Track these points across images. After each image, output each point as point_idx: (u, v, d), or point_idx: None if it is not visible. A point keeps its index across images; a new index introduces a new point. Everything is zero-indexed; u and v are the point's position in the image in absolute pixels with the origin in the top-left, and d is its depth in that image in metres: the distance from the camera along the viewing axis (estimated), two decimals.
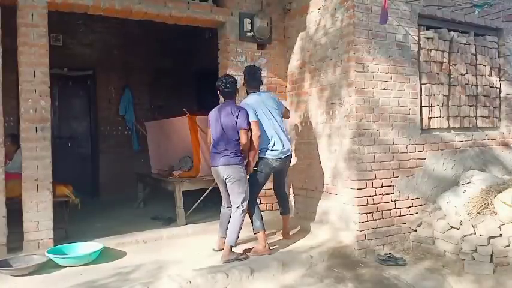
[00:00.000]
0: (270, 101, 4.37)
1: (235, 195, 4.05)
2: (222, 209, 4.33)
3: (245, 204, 4.06)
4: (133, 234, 4.69)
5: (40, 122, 4.09)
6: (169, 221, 5.32)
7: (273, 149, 4.26)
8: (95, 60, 7.75)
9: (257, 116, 4.17)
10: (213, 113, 4.20)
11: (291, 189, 5.37)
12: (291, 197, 5.34)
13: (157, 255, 4.12)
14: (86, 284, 3.42)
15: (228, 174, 4.02)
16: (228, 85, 4.12)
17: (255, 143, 4.12)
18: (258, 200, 4.44)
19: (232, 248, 4.00)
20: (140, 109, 8.23)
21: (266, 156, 4.26)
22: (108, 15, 4.73)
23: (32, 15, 4.05)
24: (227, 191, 4.15)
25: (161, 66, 8.18)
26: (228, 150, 4.02)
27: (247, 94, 4.44)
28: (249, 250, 4.19)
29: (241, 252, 4.12)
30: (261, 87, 4.60)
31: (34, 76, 4.06)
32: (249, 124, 4.06)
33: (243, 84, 4.51)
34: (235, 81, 4.21)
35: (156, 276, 3.58)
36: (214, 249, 4.24)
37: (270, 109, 4.32)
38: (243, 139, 4.02)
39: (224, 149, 4.03)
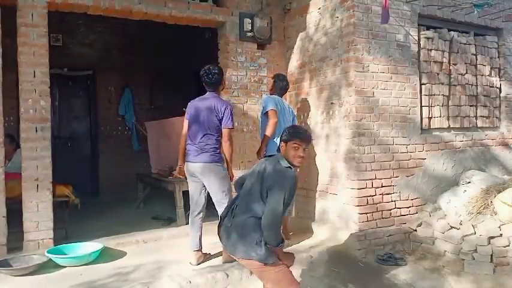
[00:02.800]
0: (287, 109, 4.50)
1: (220, 195, 3.77)
2: (191, 218, 3.94)
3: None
4: (133, 234, 4.68)
5: (40, 122, 4.08)
6: (169, 221, 5.32)
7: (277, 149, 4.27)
8: (95, 60, 7.75)
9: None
10: (193, 104, 3.88)
11: None
12: None
13: (157, 255, 4.12)
14: (86, 284, 3.42)
15: (206, 174, 3.73)
16: (210, 75, 3.78)
17: (271, 128, 4.16)
18: None
19: None
20: (140, 109, 8.23)
21: (273, 154, 4.26)
22: (108, 15, 4.73)
23: (32, 15, 4.05)
24: (199, 192, 3.88)
25: (161, 66, 8.17)
26: (208, 146, 3.73)
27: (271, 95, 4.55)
28: None
29: None
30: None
31: (34, 76, 4.05)
32: (233, 123, 3.81)
33: (271, 89, 4.59)
34: (221, 72, 3.86)
35: (156, 276, 3.58)
36: (191, 263, 3.83)
37: (286, 114, 4.43)
38: (226, 138, 3.74)
39: (204, 145, 3.73)
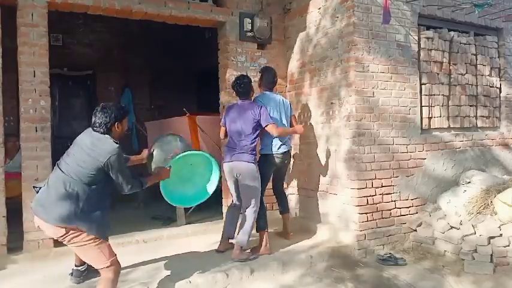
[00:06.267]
0: (281, 102, 4.44)
1: (248, 195, 4.08)
2: (229, 207, 4.33)
3: (257, 204, 4.09)
4: (133, 234, 4.68)
5: (40, 122, 4.09)
6: (169, 221, 5.32)
7: (275, 145, 4.30)
8: (95, 60, 7.76)
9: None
10: (230, 111, 4.26)
11: (291, 189, 5.37)
12: (292, 197, 5.34)
13: (157, 255, 4.12)
14: (86, 284, 3.42)
15: (241, 172, 4.03)
16: (242, 85, 4.17)
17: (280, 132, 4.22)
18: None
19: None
20: (140, 109, 8.24)
21: (268, 152, 4.31)
22: (108, 15, 4.73)
23: (32, 15, 4.05)
24: (238, 188, 4.17)
25: (161, 66, 8.18)
26: (245, 147, 4.05)
27: (260, 92, 4.50)
28: (252, 249, 4.19)
29: (251, 252, 4.11)
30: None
31: (34, 76, 4.06)
32: (271, 117, 4.17)
33: (259, 84, 4.55)
34: (250, 81, 4.25)
35: (155, 276, 3.58)
36: (218, 251, 4.19)
37: (280, 108, 4.39)
38: (274, 132, 4.10)
39: (240, 147, 4.06)
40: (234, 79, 4.30)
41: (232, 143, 4.14)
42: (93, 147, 2.88)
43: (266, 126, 4.09)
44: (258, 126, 4.10)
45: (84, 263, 3.40)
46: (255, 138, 4.10)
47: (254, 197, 4.07)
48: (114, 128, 3.00)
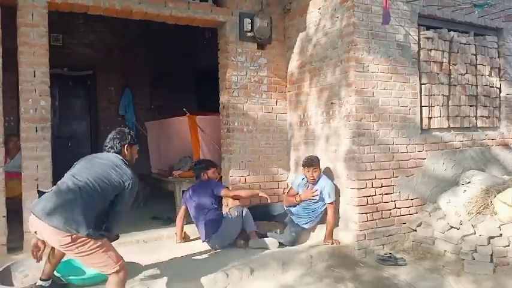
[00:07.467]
0: None
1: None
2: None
3: (243, 211, 4.43)
4: (133, 234, 4.69)
5: (40, 122, 4.09)
6: (169, 221, 5.32)
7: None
8: (95, 60, 7.76)
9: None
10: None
11: None
12: None
13: (157, 255, 4.12)
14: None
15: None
16: (198, 166, 4.71)
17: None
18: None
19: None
20: (140, 109, 8.25)
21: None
22: (108, 15, 4.73)
23: (32, 15, 4.05)
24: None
25: (161, 66, 8.18)
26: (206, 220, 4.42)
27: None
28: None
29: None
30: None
31: (34, 76, 4.05)
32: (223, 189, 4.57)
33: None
34: (205, 166, 4.70)
35: (155, 276, 3.58)
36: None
37: None
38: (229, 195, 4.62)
39: (204, 220, 4.43)
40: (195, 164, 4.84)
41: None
42: (116, 166, 3.02)
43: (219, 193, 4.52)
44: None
45: (50, 277, 3.26)
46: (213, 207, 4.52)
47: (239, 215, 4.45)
48: (123, 149, 3.20)
